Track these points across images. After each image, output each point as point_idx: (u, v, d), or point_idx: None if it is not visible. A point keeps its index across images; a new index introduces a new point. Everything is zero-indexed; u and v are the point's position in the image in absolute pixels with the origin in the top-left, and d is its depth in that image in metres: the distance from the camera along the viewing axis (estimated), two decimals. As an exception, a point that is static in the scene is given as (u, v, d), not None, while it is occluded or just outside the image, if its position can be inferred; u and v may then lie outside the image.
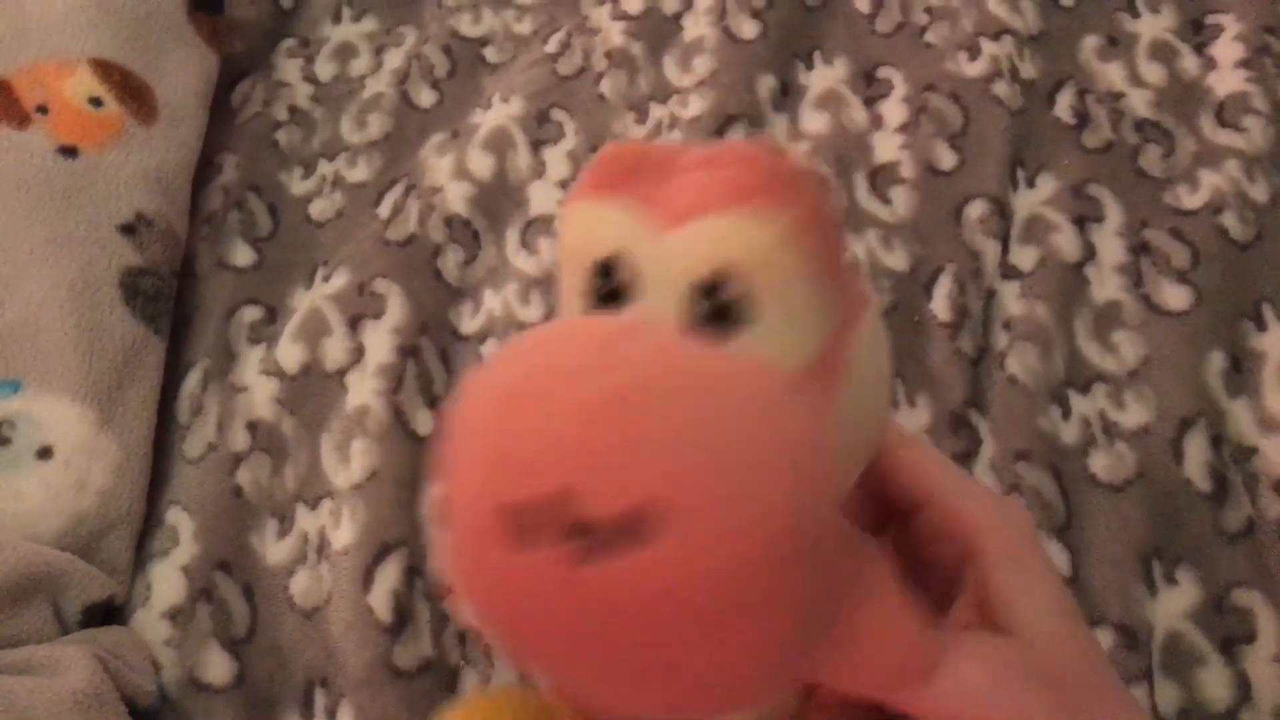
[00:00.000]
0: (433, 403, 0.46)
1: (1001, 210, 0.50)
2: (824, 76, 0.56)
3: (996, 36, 0.55)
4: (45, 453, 0.41)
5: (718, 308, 0.22)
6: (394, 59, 0.59)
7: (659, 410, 0.20)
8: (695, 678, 0.20)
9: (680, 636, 0.20)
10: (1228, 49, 0.54)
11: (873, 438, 0.26)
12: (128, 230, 0.46)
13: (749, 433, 0.20)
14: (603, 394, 0.20)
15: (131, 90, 0.50)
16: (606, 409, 0.20)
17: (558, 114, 0.55)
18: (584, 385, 0.20)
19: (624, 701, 0.21)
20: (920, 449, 0.27)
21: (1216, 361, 0.45)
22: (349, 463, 0.44)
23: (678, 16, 0.59)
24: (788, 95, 0.55)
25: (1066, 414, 0.44)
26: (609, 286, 0.24)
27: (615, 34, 0.58)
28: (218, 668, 0.40)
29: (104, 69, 0.49)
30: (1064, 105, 0.54)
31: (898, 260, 0.49)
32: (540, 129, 0.54)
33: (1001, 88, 0.53)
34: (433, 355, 0.47)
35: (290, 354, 0.47)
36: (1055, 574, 0.26)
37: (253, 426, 0.45)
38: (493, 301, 0.49)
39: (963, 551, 0.26)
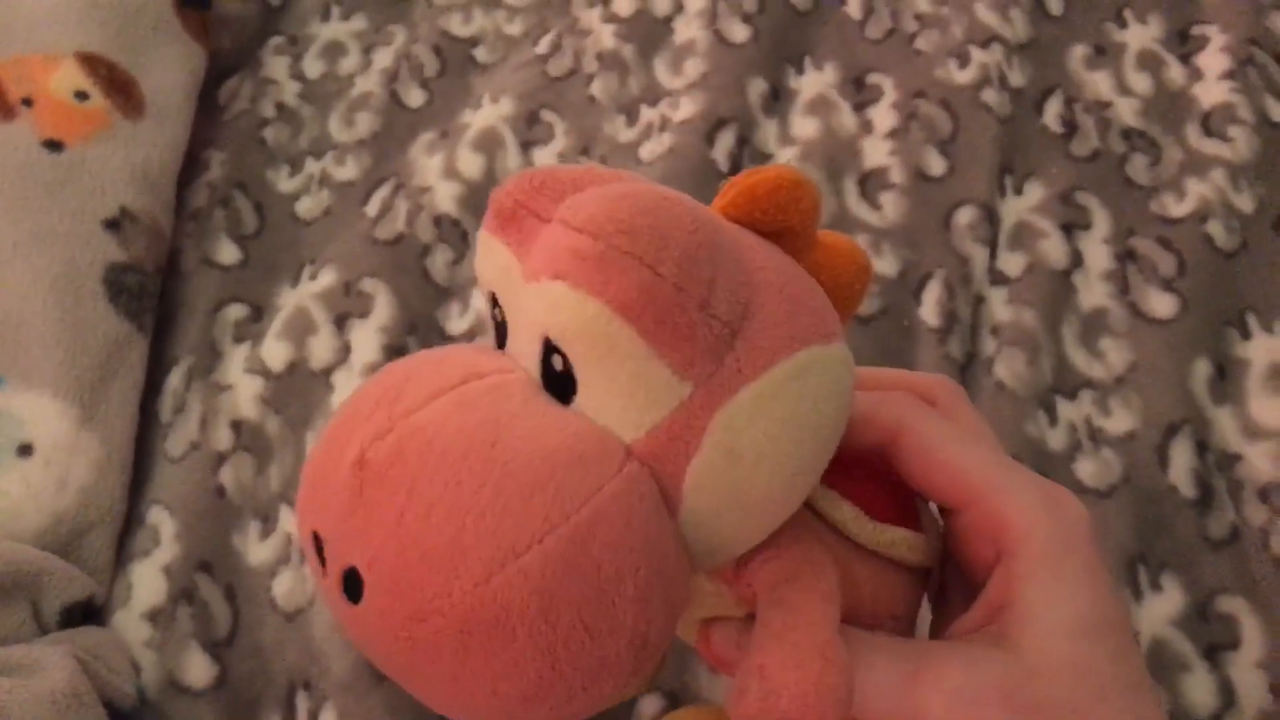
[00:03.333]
0: (419, 403, 0.46)
1: (990, 217, 0.50)
2: (814, 81, 0.56)
3: (986, 44, 0.55)
4: (25, 450, 0.41)
5: (558, 369, 0.23)
6: (383, 58, 0.59)
7: (389, 496, 0.22)
8: (472, 697, 0.22)
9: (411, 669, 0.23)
10: (1214, 60, 0.55)
11: (764, 522, 0.24)
12: (112, 226, 0.46)
13: (450, 536, 0.21)
14: (364, 469, 0.22)
15: (118, 85, 0.49)
16: (359, 485, 0.22)
17: (548, 115, 0.55)
18: (351, 458, 0.23)
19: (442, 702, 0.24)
20: (963, 447, 0.26)
21: (1202, 369, 0.45)
22: (334, 463, 0.44)
23: (669, 19, 0.59)
24: (778, 99, 0.55)
25: (1053, 420, 0.45)
26: (498, 320, 0.26)
27: (606, 36, 0.58)
28: (198, 670, 0.40)
29: (90, 63, 0.49)
30: (1052, 113, 0.54)
31: (887, 265, 0.49)
32: (530, 130, 0.54)
33: (990, 95, 0.54)
34: (420, 355, 0.47)
35: (275, 352, 0.47)
36: (1098, 586, 0.24)
37: (236, 425, 0.45)
38: (480, 302, 0.49)
39: (996, 553, 0.25)
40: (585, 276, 0.22)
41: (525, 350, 0.24)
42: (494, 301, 0.26)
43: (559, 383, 0.23)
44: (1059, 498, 0.25)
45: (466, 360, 0.24)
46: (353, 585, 0.22)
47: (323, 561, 0.23)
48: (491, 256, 0.25)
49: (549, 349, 0.23)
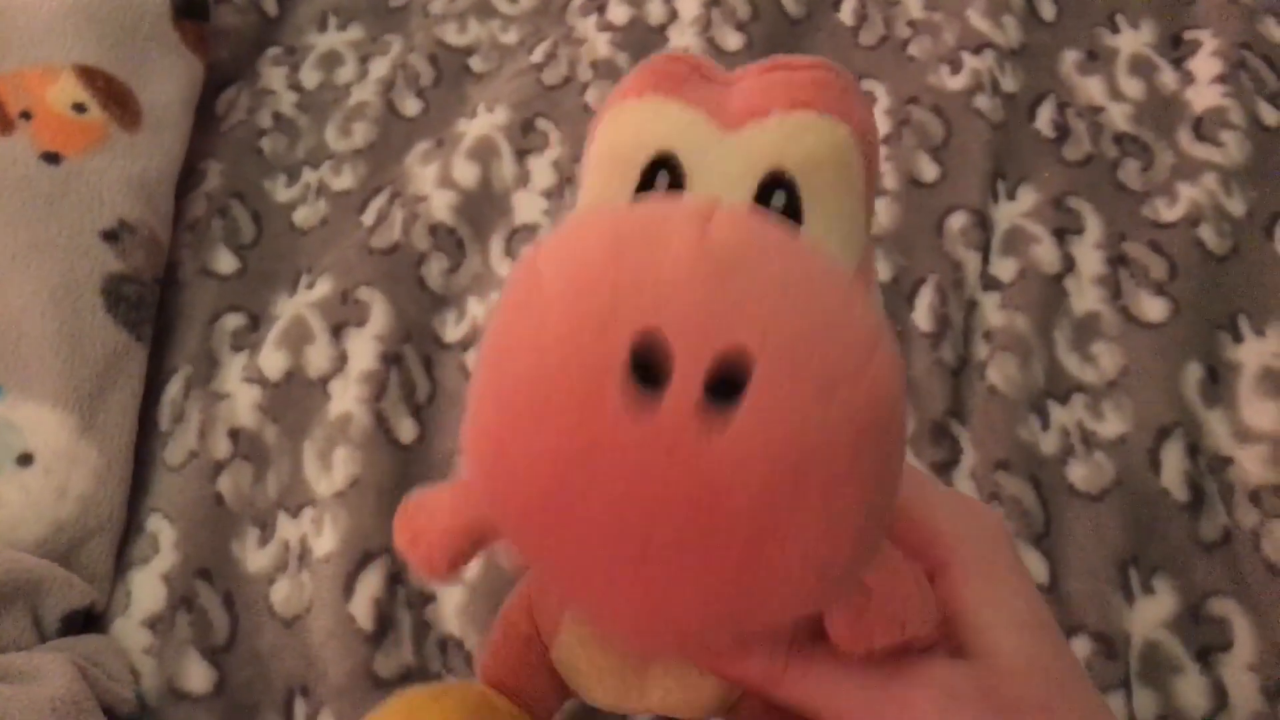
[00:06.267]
0: (416, 410, 0.46)
1: (982, 222, 0.50)
2: (807, 88, 0.56)
3: (978, 50, 0.56)
4: (25, 459, 0.41)
5: (777, 207, 0.23)
6: (379, 67, 0.59)
7: (759, 267, 0.19)
8: (761, 566, 0.19)
9: (759, 510, 0.18)
10: (1205, 64, 0.55)
11: None
12: (110, 237, 0.46)
13: (838, 303, 0.19)
14: (711, 247, 0.19)
15: (115, 97, 0.50)
16: (715, 260, 0.19)
17: (543, 123, 0.55)
18: (689, 239, 0.19)
19: (667, 602, 0.20)
20: None
21: (1193, 372, 0.45)
22: (331, 470, 0.44)
23: (663, 28, 0.59)
24: (771, 106, 0.56)
25: (1046, 424, 0.45)
26: (666, 181, 0.24)
27: (601, 44, 0.58)
28: (197, 676, 0.40)
29: (88, 75, 0.49)
30: (1044, 119, 0.54)
31: (881, 271, 0.49)
32: (525, 138, 0.55)
33: (983, 101, 0.54)
34: (416, 363, 0.47)
35: (273, 361, 0.47)
36: (1029, 585, 0.25)
37: (234, 434, 0.45)
38: (476, 310, 0.49)
39: (931, 566, 0.25)
40: (833, 104, 0.23)
41: (725, 194, 0.23)
42: (655, 168, 0.24)
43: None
44: (978, 507, 0.26)
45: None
46: (724, 382, 0.18)
47: (649, 379, 0.18)
48: (667, 115, 0.24)
49: (770, 185, 0.23)
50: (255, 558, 0.43)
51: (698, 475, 0.18)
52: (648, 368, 0.18)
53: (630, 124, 0.25)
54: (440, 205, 0.52)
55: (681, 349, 0.18)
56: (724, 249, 0.19)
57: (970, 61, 0.55)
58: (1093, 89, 0.55)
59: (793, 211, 0.23)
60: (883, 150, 0.53)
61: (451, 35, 0.60)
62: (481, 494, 0.21)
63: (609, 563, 0.19)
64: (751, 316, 0.18)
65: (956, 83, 0.55)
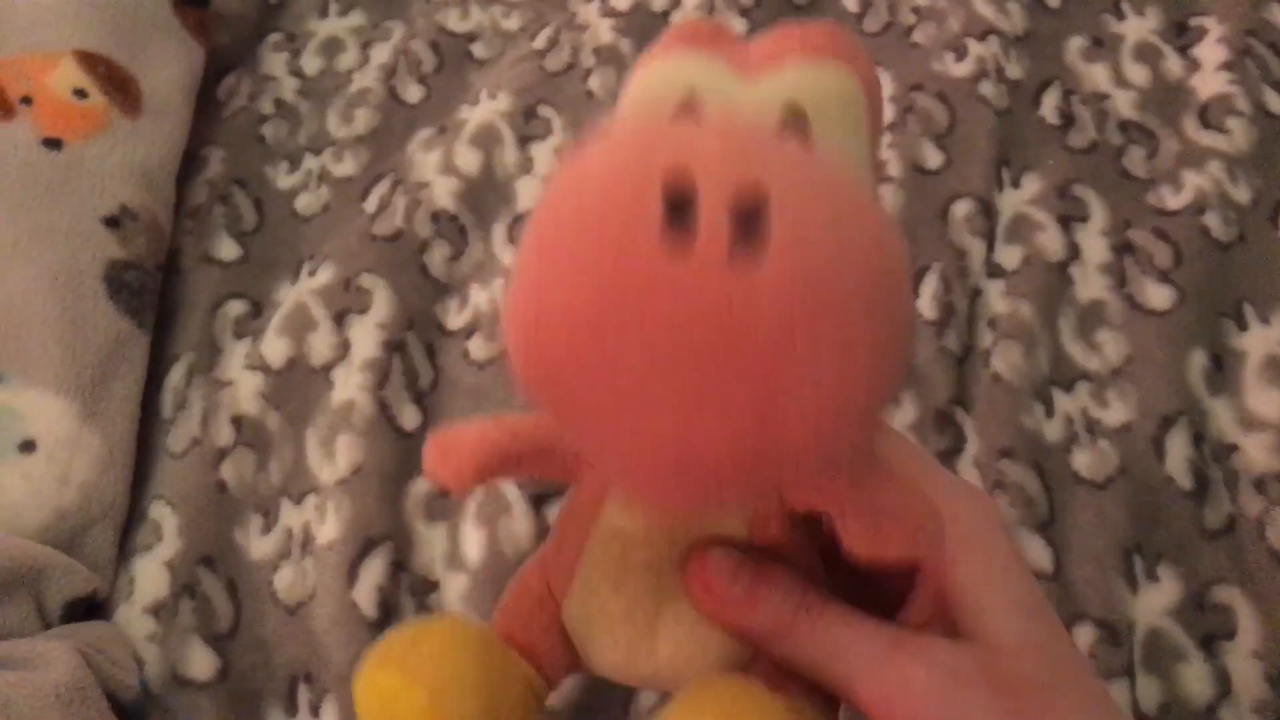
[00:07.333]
0: (418, 398, 0.46)
1: (987, 209, 0.50)
2: (811, 75, 0.56)
3: (983, 37, 0.55)
4: (28, 446, 0.41)
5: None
6: (381, 54, 0.59)
7: (777, 142, 0.22)
8: (782, 396, 0.20)
9: (782, 341, 0.19)
10: (1211, 51, 0.55)
11: None
12: (112, 223, 0.46)
13: (844, 173, 0.21)
14: (736, 124, 0.22)
15: (116, 83, 0.49)
16: (739, 132, 0.21)
17: (545, 110, 0.55)
18: (716, 120, 0.22)
19: (694, 436, 0.20)
20: (890, 440, 0.26)
21: (1198, 360, 0.45)
22: (334, 458, 0.44)
23: (666, 13, 0.59)
24: (775, 93, 0.56)
25: (1050, 412, 0.45)
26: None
27: (604, 30, 0.58)
28: (200, 663, 0.40)
29: (89, 61, 0.49)
30: (1049, 106, 0.54)
31: (884, 258, 0.49)
32: (528, 125, 0.54)
33: (988, 88, 0.54)
34: (419, 350, 0.47)
35: (275, 349, 0.47)
36: (1024, 568, 0.25)
37: (237, 421, 0.45)
38: (479, 297, 0.49)
39: None
40: (843, 54, 0.26)
41: None
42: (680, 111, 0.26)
43: None
44: (971, 488, 0.26)
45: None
46: (750, 219, 0.19)
47: (682, 220, 0.20)
48: (690, 65, 0.26)
49: (786, 124, 0.25)
50: (258, 545, 0.43)
51: (728, 311, 0.19)
52: (681, 211, 0.20)
53: (658, 79, 0.27)
54: (443, 192, 0.52)
55: (707, 186, 0.20)
56: (747, 127, 0.22)
57: (975, 48, 0.55)
58: (1098, 76, 0.55)
59: None
60: (887, 138, 0.53)
61: (453, 21, 0.60)
62: (518, 353, 0.22)
63: (641, 399, 0.20)
64: (769, 163, 0.20)
65: (961, 70, 0.54)
